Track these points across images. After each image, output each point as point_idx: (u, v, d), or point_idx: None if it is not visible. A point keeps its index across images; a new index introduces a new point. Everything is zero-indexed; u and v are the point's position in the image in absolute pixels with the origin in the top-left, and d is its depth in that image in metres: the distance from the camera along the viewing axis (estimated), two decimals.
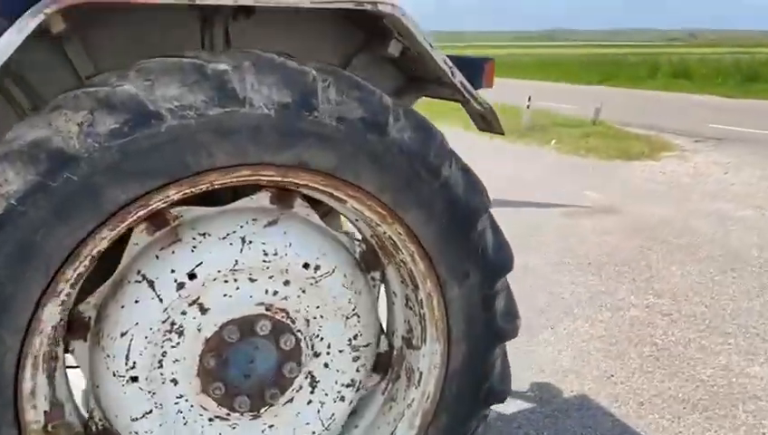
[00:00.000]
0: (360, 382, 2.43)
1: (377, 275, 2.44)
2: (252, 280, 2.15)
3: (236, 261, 2.11)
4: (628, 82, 32.01)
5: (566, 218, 8.26)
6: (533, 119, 16.65)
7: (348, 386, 2.39)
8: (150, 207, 1.91)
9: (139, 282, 2.06)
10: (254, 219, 2.16)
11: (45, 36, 1.98)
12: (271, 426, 2.32)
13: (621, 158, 12.56)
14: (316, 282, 2.22)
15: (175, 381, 2.14)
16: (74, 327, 2.09)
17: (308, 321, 2.26)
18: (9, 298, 1.79)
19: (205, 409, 2.21)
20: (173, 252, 2.08)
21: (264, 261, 2.14)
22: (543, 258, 6.67)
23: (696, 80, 30.45)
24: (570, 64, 43.32)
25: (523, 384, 4.14)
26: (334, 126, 1.99)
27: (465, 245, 2.26)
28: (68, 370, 2.22)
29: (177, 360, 2.13)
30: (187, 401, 2.18)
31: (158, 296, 2.06)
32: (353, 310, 2.32)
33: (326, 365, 2.34)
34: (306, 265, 2.20)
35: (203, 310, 2.11)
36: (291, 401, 2.32)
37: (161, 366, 2.12)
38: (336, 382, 2.37)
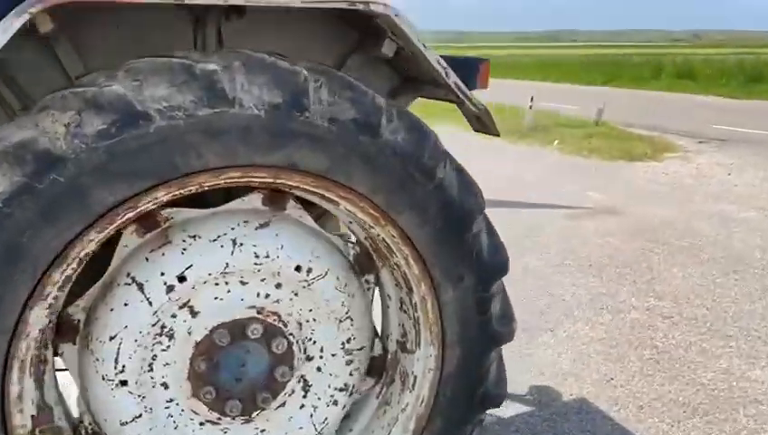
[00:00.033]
0: (354, 386, 2.40)
1: (371, 277, 2.41)
2: (243, 283, 2.12)
3: (227, 264, 2.08)
4: (631, 83, 31.92)
5: (568, 219, 8.22)
6: (536, 119, 16.61)
7: (341, 390, 2.37)
8: (139, 209, 1.89)
9: (129, 284, 2.04)
10: (245, 221, 2.14)
11: (34, 36, 1.96)
12: (263, 430, 2.29)
13: (624, 158, 12.51)
14: (309, 285, 2.20)
15: (165, 385, 2.12)
16: (63, 330, 2.07)
17: (300, 324, 2.23)
18: None
19: (195, 413, 2.18)
20: (163, 254, 2.05)
21: (256, 264, 2.11)
22: (544, 259, 6.63)
23: (700, 80, 30.34)
24: (573, 65, 43.23)
25: (521, 387, 4.11)
26: (326, 127, 1.97)
27: (459, 247, 2.23)
28: (60, 373, 2.20)
29: (167, 363, 2.10)
30: (177, 405, 2.15)
31: (148, 299, 2.03)
32: (346, 313, 2.29)
33: (319, 369, 2.31)
34: (298, 268, 2.17)
35: (193, 313, 2.09)
36: (283, 405, 2.30)
37: (151, 370, 2.09)
38: (329, 386, 2.34)
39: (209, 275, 2.07)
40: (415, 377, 2.40)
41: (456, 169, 2.21)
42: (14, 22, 1.76)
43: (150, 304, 2.03)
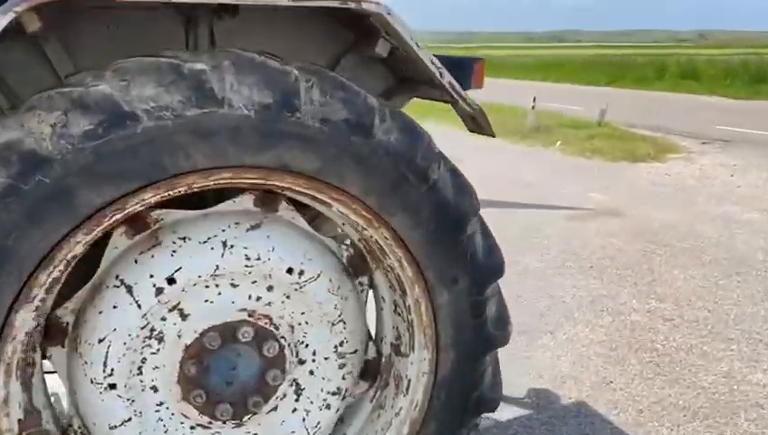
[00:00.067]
0: (347, 390, 2.37)
1: (364, 280, 2.38)
2: (234, 285, 2.10)
3: (217, 266, 2.06)
4: (635, 84, 31.83)
5: (569, 221, 8.18)
6: (539, 120, 16.57)
7: (334, 394, 2.34)
8: (127, 211, 1.87)
9: (118, 287, 2.01)
10: (236, 223, 2.11)
11: (22, 36, 1.94)
12: (254, 434, 2.26)
13: (627, 159, 12.46)
14: (300, 287, 2.17)
15: (155, 389, 2.10)
16: (52, 333, 2.05)
17: (292, 327, 2.21)
18: None
19: (186, 416, 2.16)
20: (152, 256, 2.03)
21: (247, 266, 2.09)
22: (545, 261, 6.60)
23: (704, 81, 30.24)
24: (576, 65, 43.13)
25: (520, 390, 4.08)
26: (317, 127, 1.94)
27: (453, 249, 2.20)
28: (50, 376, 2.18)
29: (156, 367, 2.08)
30: (167, 408, 2.13)
31: (137, 302, 2.01)
32: (339, 316, 2.26)
33: (311, 373, 2.29)
34: (290, 270, 2.15)
35: (183, 316, 2.06)
36: (275, 409, 2.27)
37: (141, 373, 2.07)
38: (322, 390, 2.32)
39: (199, 277, 2.05)
40: (409, 381, 2.38)
41: (449, 171, 2.18)
42: (0, 21, 1.74)
43: (139, 306, 2.01)
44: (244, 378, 2.16)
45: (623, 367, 4.47)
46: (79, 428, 2.15)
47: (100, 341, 2.01)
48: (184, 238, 2.05)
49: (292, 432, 2.31)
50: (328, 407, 2.34)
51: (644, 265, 6.52)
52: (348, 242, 2.34)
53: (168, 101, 1.80)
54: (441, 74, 2.20)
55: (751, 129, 16.02)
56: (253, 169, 1.93)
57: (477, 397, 2.41)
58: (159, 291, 2.01)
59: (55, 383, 2.20)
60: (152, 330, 2.04)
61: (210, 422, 2.17)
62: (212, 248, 2.06)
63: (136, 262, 2.03)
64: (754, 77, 28.97)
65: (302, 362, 2.26)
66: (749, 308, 5.49)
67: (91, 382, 2.04)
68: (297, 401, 2.30)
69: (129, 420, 2.10)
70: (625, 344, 4.81)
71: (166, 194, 1.89)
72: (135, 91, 1.79)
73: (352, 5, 2.01)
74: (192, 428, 2.17)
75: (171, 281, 2.02)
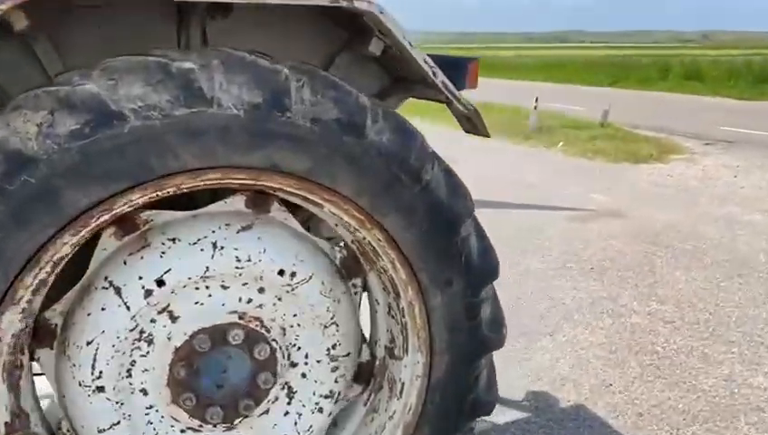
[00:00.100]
0: (340, 393, 2.35)
1: (358, 282, 2.35)
2: (224, 287, 2.07)
3: (207, 267, 2.04)
4: (638, 84, 31.75)
5: (570, 222, 8.14)
6: (541, 120, 16.52)
7: (326, 397, 2.31)
8: (114, 212, 1.84)
9: (106, 288, 1.99)
10: (227, 224, 2.09)
11: (11, 35, 1.92)
12: None
13: (629, 160, 12.41)
14: (292, 289, 2.14)
15: (144, 392, 2.07)
16: (40, 335, 2.03)
17: (284, 330, 2.18)
18: None
19: (176, 420, 2.13)
20: (141, 258, 2.01)
21: (237, 267, 2.06)
22: (545, 262, 6.56)
23: (708, 81, 30.14)
24: (580, 66, 43.04)
25: (518, 393, 4.05)
26: (308, 127, 1.91)
27: (447, 251, 2.18)
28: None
29: (146, 369, 2.05)
30: (157, 411, 2.11)
31: (125, 304, 1.98)
32: (332, 318, 2.24)
33: (303, 376, 2.26)
34: (282, 272, 2.12)
35: (173, 318, 2.04)
36: (267, 412, 2.25)
37: (130, 376, 2.05)
38: (314, 393, 2.29)
39: (189, 279, 2.02)
40: (402, 384, 2.35)
41: (443, 171, 2.16)
42: None
43: (128, 308, 1.99)
44: (234, 381, 2.14)
45: (623, 370, 4.44)
46: (68, 431, 2.13)
47: (89, 343, 1.99)
48: (173, 240, 2.03)
49: None
50: (320, 410, 2.32)
51: (645, 267, 6.48)
52: (341, 243, 2.32)
53: (156, 100, 1.77)
54: (434, 74, 2.17)
55: (755, 129, 15.95)
56: (242, 170, 1.90)
57: (472, 400, 2.38)
58: (148, 293, 1.99)
59: (45, 385, 2.17)
60: (141, 332, 2.02)
61: (201, 426, 2.15)
62: (202, 250, 2.03)
63: (125, 263, 2.01)
64: (759, 78, 28.86)
65: (294, 365, 2.23)
66: (751, 310, 5.44)
67: (80, 385, 2.02)
68: (289, 404, 2.27)
69: (118, 423, 2.07)
70: (625, 347, 4.77)
71: (154, 195, 1.86)
72: (122, 91, 1.76)
73: (344, 4, 1.99)
74: (182, 431, 2.15)
75: (160, 283, 2.00)
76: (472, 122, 2.40)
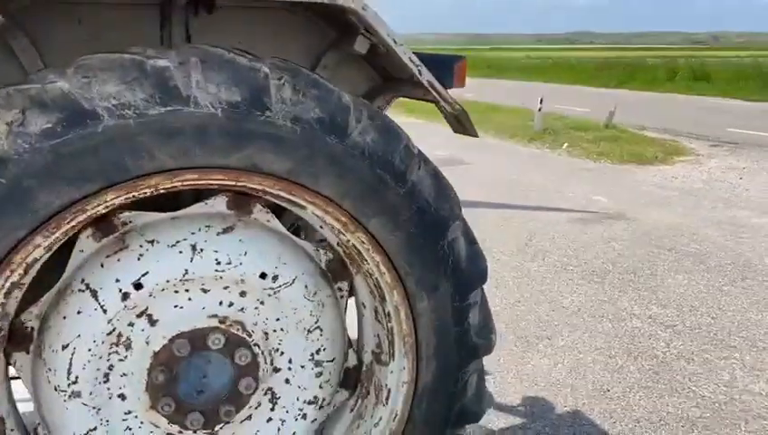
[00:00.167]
0: (324, 399, 2.30)
1: (344, 285, 2.30)
2: (204, 291, 2.03)
3: (186, 270, 1.99)
4: (645, 85, 31.59)
5: (572, 224, 8.07)
6: (546, 122, 16.44)
7: (310, 403, 2.26)
8: (89, 213, 1.80)
9: (83, 291, 1.95)
10: (207, 226, 2.04)
11: None
12: None
13: (634, 162, 12.34)
14: (275, 293, 2.10)
15: (122, 397, 2.03)
16: (16, 338, 1.98)
17: (267, 334, 2.13)
18: None
19: (155, 426, 2.09)
20: (118, 260, 1.96)
21: (217, 270, 2.02)
22: (546, 265, 6.50)
23: (716, 83, 29.97)
24: (588, 67, 42.88)
25: (514, 398, 4.00)
26: (289, 127, 1.87)
27: (433, 255, 2.12)
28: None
29: (124, 374, 2.01)
30: (136, 417, 2.06)
31: (102, 307, 1.94)
32: (316, 323, 2.19)
33: (287, 381, 2.21)
34: (264, 275, 2.07)
35: (152, 322, 1.99)
36: (249, 418, 2.20)
37: (107, 380, 2.00)
38: (297, 399, 2.24)
39: (167, 282, 1.98)
40: (389, 390, 2.30)
41: (430, 173, 2.10)
42: None
43: (105, 311, 1.95)
44: (215, 386, 2.09)
45: (621, 375, 4.37)
46: None
47: (65, 347, 1.94)
48: (152, 242, 1.99)
49: None
50: (304, 416, 2.27)
51: (647, 270, 6.41)
52: (326, 246, 2.27)
53: (131, 98, 1.73)
54: (420, 72, 2.12)
55: (762, 131, 15.83)
56: (221, 171, 1.86)
57: (460, 408, 2.32)
58: (125, 296, 1.95)
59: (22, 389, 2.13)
60: (119, 336, 1.97)
61: (180, 432, 2.10)
62: (180, 252, 1.99)
63: (102, 266, 1.96)
64: (767, 79, 28.65)
65: (276, 371, 2.18)
66: (753, 315, 5.37)
67: (55, 390, 1.97)
68: (272, 410, 2.23)
69: (95, 429, 2.03)
70: (624, 352, 4.71)
71: (130, 196, 1.82)
72: (96, 89, 1.72)
73: (326, 0, 1.94)
74: None
75: (138, 286, 1.96)
76: (461, 122, 2.35)
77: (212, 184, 1.91)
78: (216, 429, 2.14)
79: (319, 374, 2.24)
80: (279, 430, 2.25)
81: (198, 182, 1.87)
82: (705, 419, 3.87)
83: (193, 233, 2.02)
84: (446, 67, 2.32)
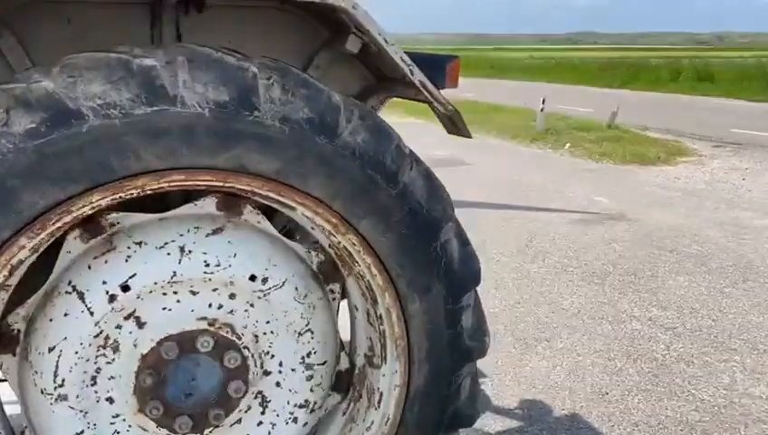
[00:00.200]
0: (315, 403, 2.27)
1: (336, 287, 2.27)
2: (193, 293, 2.00)
3: (175, 272, 1.97)
4: (649, 86, 31.52)
5: (573, 225, 8.03)
6: (549, 122, 16.40)
7: (301, 407, 2.24)
8: (74, 214, 1.77)
9: (69, 293, 1.93)
10: (196, 227, 2.02)
11: None
12: None
13: (636, 163, 12.29)
14: (265, 295, 2.07)
15: (110, 400, 2.01)
16: (3, 340, 1.96)
17: (256, 337, 2.11)
18: None
19: (143, 429, 2.06)
20: (106, 262, 1.94)
21: (206, 272, 1.99)
22: (546, 266, 6.46)
23: (720, 83, 29.87)
24: (591, 67, 42.80)
25: (511, 400, 3.96)
26: (278, 127, 1.84)
27: (426, 256, 2.10)
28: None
29: (112, 377, 1.99)
30: (123, 420, 2.04)
31: (89, 309, 1.92)
32: (306, 325, 2.16)
33: (278, 384, 2.19)
34: (253, 277, 2.05)
35: (139, 324, 1.97)
36: (239, 421, 2.17)
37: (95, 383, 1.98)
38: (288, 403, 2.22)
39: (155, 284, 1.96)
40: (381, 394, 2.27)
41: (422, 174, 2.08)
42: None
43: (92, 314, 1.92)
44: (204, 389, 2.07)
45: (620, 378, 4.34)
46: None
47: (51, 349, 1.92)
48: (140, 243, 1.96)
49: None
50: (295, 420, 2.24)
51: (647, 272, 6.37)
52: (318, 247, 2.24)
53: (117, 98, 1.71)
54: (411, 72, 2.09)
55: (766, 132, 15.75)
56: (208, 171, 1.83)
57: (453, 412, 2.29)
58: (113, 298, 1.92)
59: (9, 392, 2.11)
60: (106, 338, 1.95)
61: None
62: (168, 254, 1.97)
63: (89, 267, 1.94)
64: None
65: (267, 374, 2.16)
66: (754, 318, 5.32)
67: (42, 393, 1.95)
68: (263, 413, 2.20)
69: (82, 432, 2.01)
70: (623, 354, 4.67)
71: (116, 197, 1.79)
72: (81, 88, 1.70)
73: None
74: None
75: (125, 288, 1.93)
76: (454, 123, 2.32)
77: (199, 185, 1.88)
78: (205, 432, 2.12)
79: (310, 377, 2.21)
80: (269, 433, 2.22)
81: (186, 183, 1.85)
82: (705, 422, 3.84)
83: (181, 234, 1.99)
84: (438, 67, 2.30)
